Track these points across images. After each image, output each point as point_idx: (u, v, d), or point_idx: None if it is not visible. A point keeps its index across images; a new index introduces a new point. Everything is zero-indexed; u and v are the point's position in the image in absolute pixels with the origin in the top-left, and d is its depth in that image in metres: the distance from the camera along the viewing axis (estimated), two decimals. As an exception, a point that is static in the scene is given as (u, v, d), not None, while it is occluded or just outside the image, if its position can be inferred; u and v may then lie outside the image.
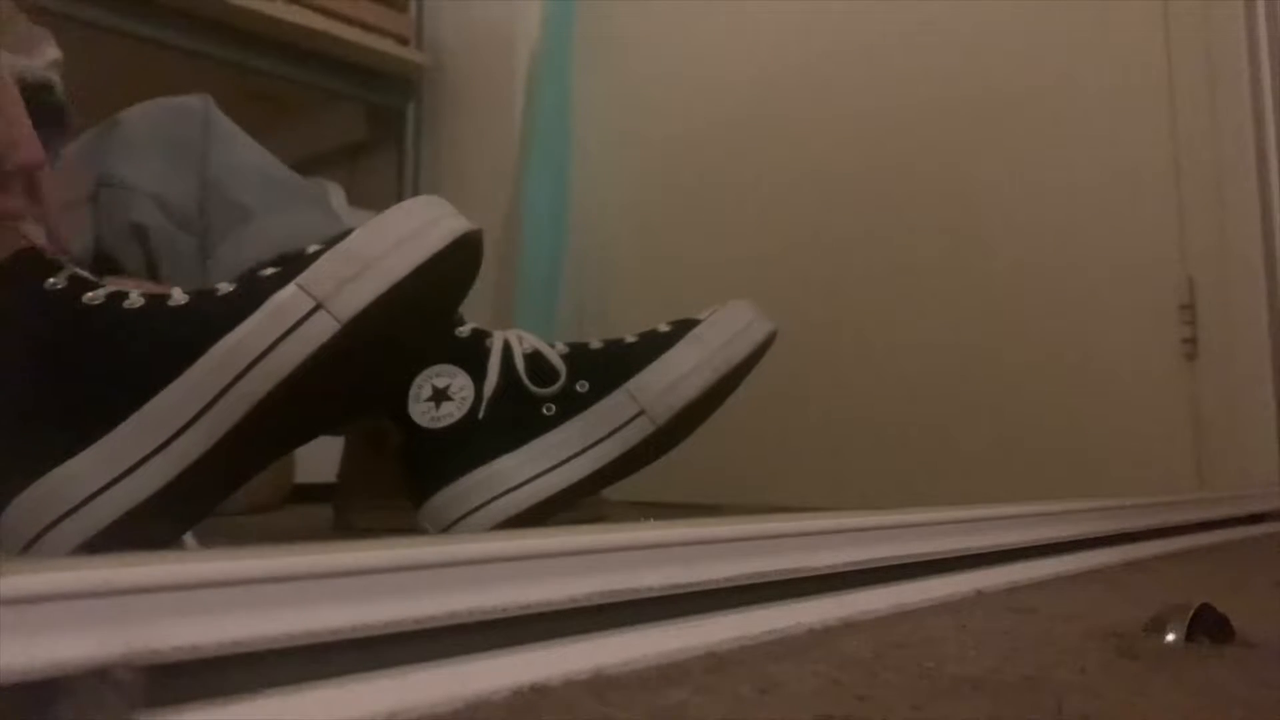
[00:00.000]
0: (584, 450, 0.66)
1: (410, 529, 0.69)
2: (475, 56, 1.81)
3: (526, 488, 0.65)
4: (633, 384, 0.67)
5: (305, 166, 1.81)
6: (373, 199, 1.79)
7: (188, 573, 0.24)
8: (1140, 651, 0.37)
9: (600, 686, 0.30)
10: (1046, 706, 0.29)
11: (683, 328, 0.70)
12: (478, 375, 0.67)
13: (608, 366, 0.68)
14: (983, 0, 1.26)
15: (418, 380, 0.67)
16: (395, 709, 0.26)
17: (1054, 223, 1.18)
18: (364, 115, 1.89)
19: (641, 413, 0.66)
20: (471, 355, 0.67)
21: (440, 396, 0.66)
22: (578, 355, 0.69)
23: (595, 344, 0.70)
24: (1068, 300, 1.17)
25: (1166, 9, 1.13)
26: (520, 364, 0.67)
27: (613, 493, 0.83)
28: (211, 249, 0.76)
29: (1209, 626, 0.39)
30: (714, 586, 0.38)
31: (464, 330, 0.69)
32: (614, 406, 0.66)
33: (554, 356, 0.68)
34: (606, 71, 1.68)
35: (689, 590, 0.37)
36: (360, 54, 1.73)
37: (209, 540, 0.66)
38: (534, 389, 0.67)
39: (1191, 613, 0.39)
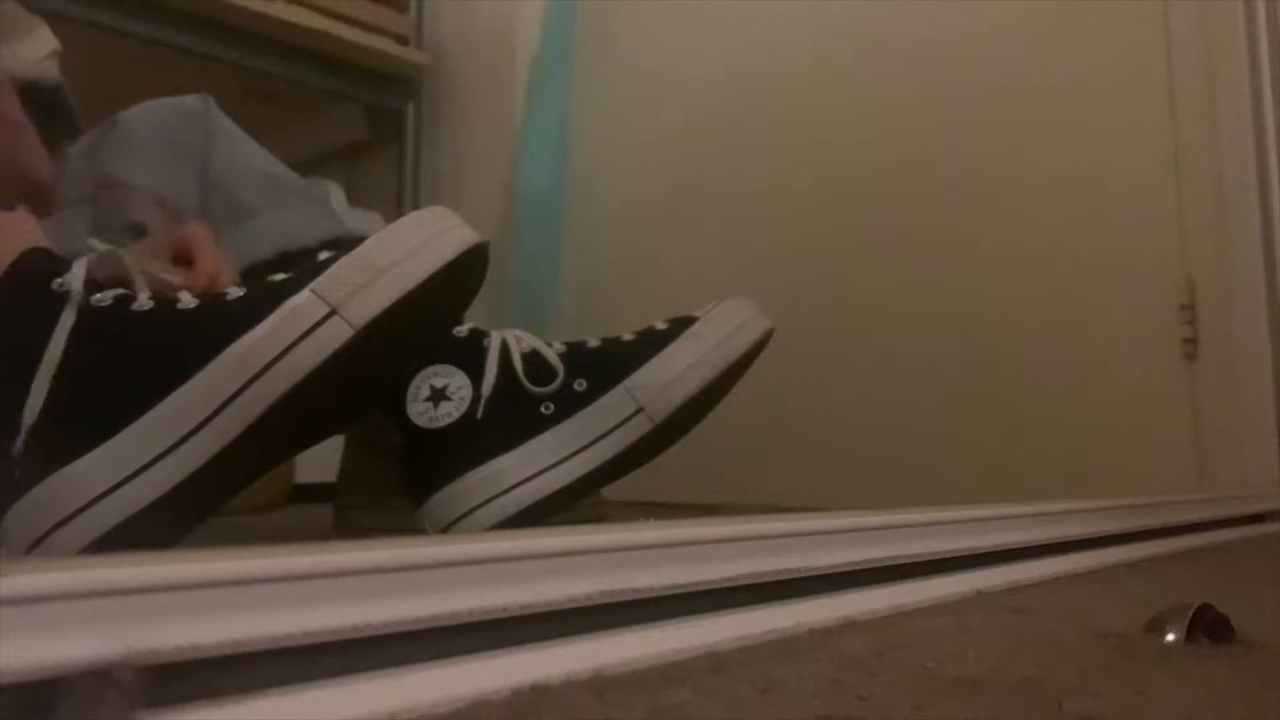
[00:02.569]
0: (582, 449, 0.66)
1: (410, 529, 0.69)
2: (475, 56, 1.81)
3: (525, 487, 0.65)
4: (630, 382, 0.67)
5: (305, 166, 1.81)
6: (373, 199, 1.79)
7: (188, 573, 0.24)
8: (1140, 651, 0.37)
9: (600, 686, 0.30)
10: (1046, 707, 0.29)
11: (680, 325, 0.70)
12: (475, 375, 0.67)
13: (605, 365, 0.68)
14: (984, 2, 1.26)
15: (416, 380, 0.67)
16: (395, 709, 0.26)
17: (1053, 223, 1.18)
18: (364, 115, 1.89)
19: (640, 410, 0.66)
20: (469, 355, 0.67)
21: (438, 396, 0.66)
22: (575, 354, 0.69)
23: (593, 342, 0.70)
24: (1067, 300, 1.17)
25: (1166, 9, 1.13)
26: (518, 363, 0.67)
27: (613, 493, 0.83)
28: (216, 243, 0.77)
29: (1209, 626, 0.39)
30: (714, 586, 0.38)
31: (462, 330, 0.69)
32: (612, 404, 0.66)
33: (552, 355, 0.68)
34: (606, 71, 1.68)
35: (689, 590, 0.37)
36: (360, 54, 1.73)
37: (209, 540, 0.66)
38: (532, 388, 0.67)
39: (1191, 613, 0.39)
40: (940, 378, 1.25)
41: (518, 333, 0.70)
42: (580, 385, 0.67)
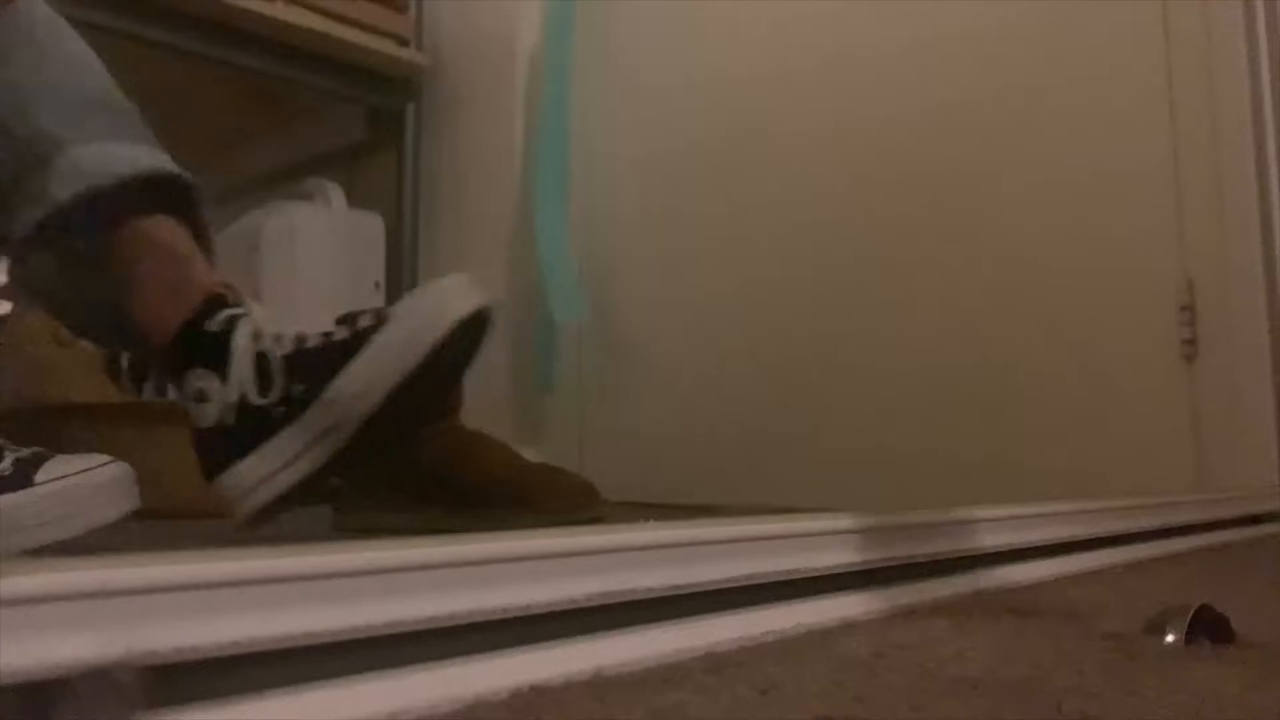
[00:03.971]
0: (303, 451, 0.68)
1: (410, 529, 0.69)
2: (475, 57, 1.81)
3: (262, 488, 0.67)
4: (329, 393, 0.67)
5: (305, 167, 1.81)
6: (373, 199, 1.79)
7: (187, 573, 0.24)
8: (1140, 652, 0.37)
9: (600, 687, 0.30)
10: (1046, 707, 0.29)
11: (376, 323, 0.69)
12: (223, 379, 0.68)
13: (317, 369, 0.68)
14: (982, 3, 1.26)
15: (188, 377, 0.68)
16: (395, 709, 0.26)
17: (1054, 224, 1.18)
18: (364, 116, 1.89)
19: (336, 423, 0.67)
20: (218, 356, 0.68)
21: (201, 398, 0.68)
22: (299, 356, 0.69)
23: (313, 341, 0.69)
24: (1068, 301, 1.17)
25: (1166, 9, 1.13)
26: (250, 372, 0.68)
27: (613, 493, 0.84)
28: (16, 182, 0.69)
29: (1209, 627, 0.39)
30: (713, 587, 0.38)
31: (214, 323, 0.69)
32: (318, 413, 0.67)
33: (276, 361, 0.68)
34: (606, 72, 1.68)
35: (688, 591, 0.37)
36: (360, 55, 1.73)
37: (209, 541, 0.66)
38: (258, 400, 0.67)
39: (1191, 613, 0.39)
40: (940, 379, 1.25)
41: (264, 327, 0.70)
42: (299, 390, 0.68)
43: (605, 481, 0.93)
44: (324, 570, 0.27)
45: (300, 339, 0.69)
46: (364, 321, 0.69)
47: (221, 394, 0.67)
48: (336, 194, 1.72)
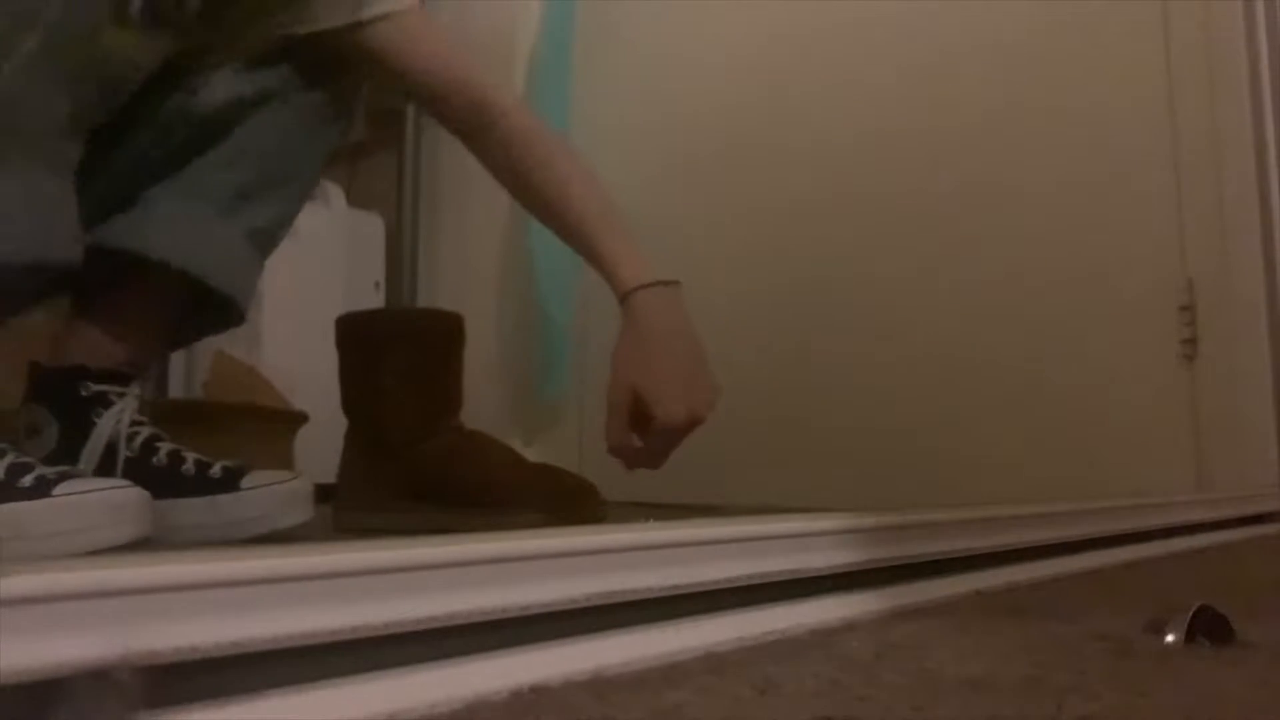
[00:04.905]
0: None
1: (410, 529, 0.69)
2: (475, 56, 1.81)
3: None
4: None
5: (305, 167, 1.80)
6: (373, 199, 1.79)
7: (188, 573, 0.24)
8: (1140, 652, 0.37)
9: (600, 687, 0.30)
10: (1046, 707, 0.29)
11: (226, 478, 0.70)
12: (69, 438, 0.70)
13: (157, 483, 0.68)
14: (982, 3, 1.26)
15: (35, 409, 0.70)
16: (395, 709, 0.26)
17: (1054, 225, 1.18)
18: (364, 115, 1.89)
19: None
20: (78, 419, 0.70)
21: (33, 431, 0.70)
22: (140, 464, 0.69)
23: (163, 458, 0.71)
24: (1068, 302, 1.17)
25: (1166, 9, 1.13)
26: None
27: (613, 493, 0.84)
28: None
29: (1209, 626, 0.39)
30: (714, 587, 0.38)
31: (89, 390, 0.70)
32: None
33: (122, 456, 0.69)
34: (606, 71, 1.68)
35: (689, 590, 0.37)
36: (360, 54, 1.73)
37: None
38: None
39: (1191, 613, 0.39)
40: (941, 379, 1.25)
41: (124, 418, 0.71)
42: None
43: (605, 481, 0.93)
44: (324, 570, 0.27)
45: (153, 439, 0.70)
46: (214, 472, 0.70)
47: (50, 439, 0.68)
48: (336, 194, 1.72)
